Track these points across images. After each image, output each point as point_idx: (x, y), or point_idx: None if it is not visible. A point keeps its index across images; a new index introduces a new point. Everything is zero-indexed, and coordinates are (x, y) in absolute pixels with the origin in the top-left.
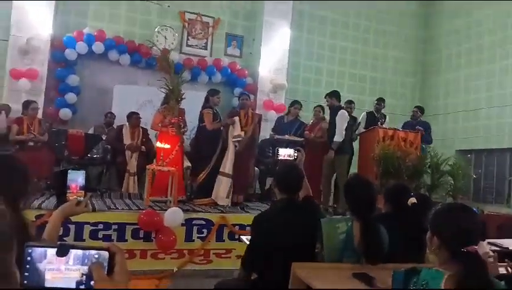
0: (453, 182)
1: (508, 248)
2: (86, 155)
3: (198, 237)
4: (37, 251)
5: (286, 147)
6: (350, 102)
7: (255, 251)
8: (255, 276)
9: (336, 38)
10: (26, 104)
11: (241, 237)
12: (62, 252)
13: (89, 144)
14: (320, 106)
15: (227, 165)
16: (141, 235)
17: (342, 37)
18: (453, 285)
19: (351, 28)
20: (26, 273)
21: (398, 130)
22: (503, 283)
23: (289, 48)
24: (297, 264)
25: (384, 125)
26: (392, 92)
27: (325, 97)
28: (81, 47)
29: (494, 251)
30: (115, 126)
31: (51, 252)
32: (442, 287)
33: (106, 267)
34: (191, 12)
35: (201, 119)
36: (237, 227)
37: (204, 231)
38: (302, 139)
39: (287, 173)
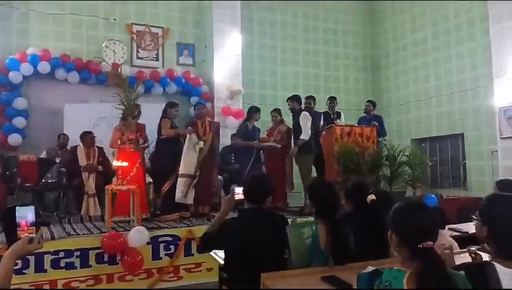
0: (410, 171)
1: (467, 232)
2: (40, 181)
3: (166, 254)
4: None
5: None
6: (309, 97)
7: (215, 244)
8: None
9: (286, 40)
10: None
11: None
12: None
13: (43, 168)
14: (275, 110)
15: (182, 166)
16: (106, 259)
17: (293, 38)
18: (414, 283)
19: (300, 29)
20: None
21: (354, 126)
22: (463, 272)
23: (242, 53)
24: (266, 274)
25: (339, 123)
26: (346, 88)
27: (286, 101)
28: (26, 68)
29: (454, 237)
30: (68, 148)
31: None
32: (404, 286)
33: None
34: (139, 24)
35: (159, 131)
36: None
37: (172, 247)
38: (280, 146)
39: (253, 183)
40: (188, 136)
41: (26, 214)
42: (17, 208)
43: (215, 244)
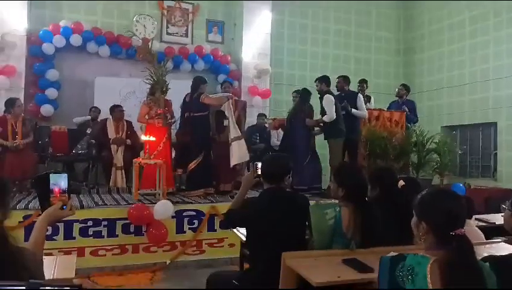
0: (439, 159)
1: (494, 223)
2: (70, 151)
3: (189, 228)
4: None
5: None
6: (339, 77)
7: (240, 221)
8: (247, 267)
9: (318, 19)
10: (11, 102)
11: None
12: None
13: (73, 139)
14: (296, 91)
15: (232, 132)
16: (132, 230)
17: (324, 18)
18: (438, 269)
19: (333, 9)
20: None
21: (383, 110)
22: (487, 264)
23: (271, 31)
24: (288, 254)
25: (369, 106)
26: (376, 71)
27: (315, 81)
28: (59, 40)
29: (481, 227)
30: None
31: None
32: (428, 272)
33: None
34: (170, 0)
35: (192, 107)
36: None
37: (196, 221)
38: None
39: (270, 163)
40: (228, 103)
41: (59, 182)
42: (50, 175)
43: (238, 222)
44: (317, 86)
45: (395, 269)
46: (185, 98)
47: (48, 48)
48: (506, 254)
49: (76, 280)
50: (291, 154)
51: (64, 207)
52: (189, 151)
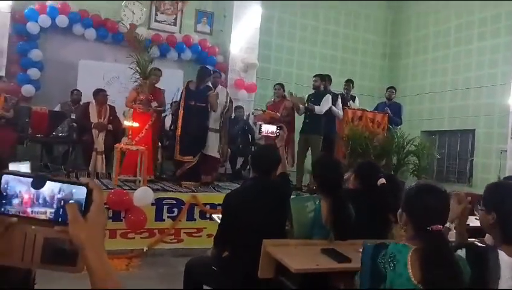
0: (417, 161)
1: (468, 225)
2: (50, 133)
3: (168, 217)
4: (13, 179)
5: None
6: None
7: (227, 229)
8: (226, 253)
9: (307, 17)
10: None
11: (213, 215)
12: (38, 183)
13: (54, 121)
14: (279, 84)
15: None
16: (110, 215)
17: (313, 16)
18: (417, 258)
19: (322, 8)
20: (3, 201)
21: (367, 111)
22: (464, 250)
23: (260, 26)
24: (268, 241)
25: (352, 106)
26: (362, 73)
27: (313, 77)
28: (44, 20)
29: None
30: (81, 103)
31: (27, 181)
32: (408, 260)
33: (83, 204)
34: None
35: (197, 97)
36: (208, 206)
37: (175, 210)
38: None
39: (261, 154)
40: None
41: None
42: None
43: (222, 234)
44: (314, 82)
45: (377, 256)
46: (188, 85)
47: (32, 27)
48: (486, 245)
49: (84, 179)
50: None
51: None
52: (192, 142)
